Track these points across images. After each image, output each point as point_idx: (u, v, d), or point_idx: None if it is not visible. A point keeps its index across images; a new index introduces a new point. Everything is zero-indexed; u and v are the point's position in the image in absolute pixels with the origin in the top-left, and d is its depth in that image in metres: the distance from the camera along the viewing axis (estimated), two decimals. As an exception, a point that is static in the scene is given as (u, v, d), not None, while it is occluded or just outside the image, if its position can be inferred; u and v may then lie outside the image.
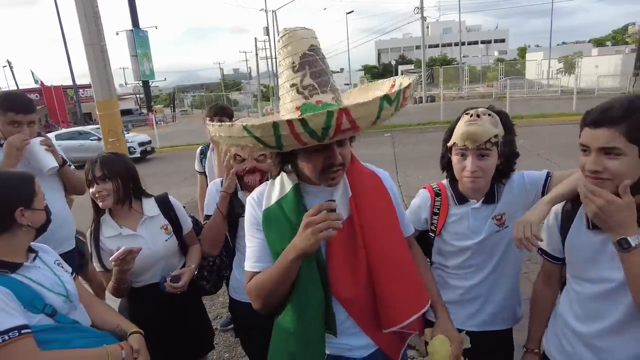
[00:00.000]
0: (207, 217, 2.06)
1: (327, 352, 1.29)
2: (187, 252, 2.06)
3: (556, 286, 1.58)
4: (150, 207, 1.94)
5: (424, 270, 1.56)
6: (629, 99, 1.21)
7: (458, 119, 1.62)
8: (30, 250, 1.47)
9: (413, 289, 1.35)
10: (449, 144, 1.63)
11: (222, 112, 3.13)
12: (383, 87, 1.31)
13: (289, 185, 1.30)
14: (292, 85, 1.13)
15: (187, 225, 2.06)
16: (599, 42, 56.13)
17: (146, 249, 1.80)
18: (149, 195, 1.99)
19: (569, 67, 29.60)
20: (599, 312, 1.33)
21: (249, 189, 1.87)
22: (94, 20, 3.86)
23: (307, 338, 1.25)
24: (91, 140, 15.12)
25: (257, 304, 1.32)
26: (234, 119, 2.59)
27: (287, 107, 1.16)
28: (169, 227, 1.96)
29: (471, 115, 1.56)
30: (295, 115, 1.09)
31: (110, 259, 1.66)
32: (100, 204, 1.82)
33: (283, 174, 1.34)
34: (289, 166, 1.30)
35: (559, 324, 1.50)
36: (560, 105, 17.26)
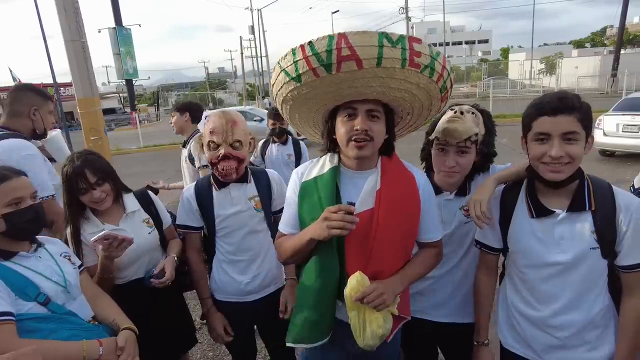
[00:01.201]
0: (179, 226, 1.98)
1: (336, 316, 1.44)
2: (167, 246, 2.04)
3: (494, 275, 1.66)
4: (130, 202, 1.93)
5: (419, 262, 1.53)
6: (565, 93, 1.34)
7: (443, 114, 1.65)
8: (35, 241, 1.52)
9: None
10: (430, 137, 1.67)
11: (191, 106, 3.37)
12: None
13: (328, 166, 1.43)
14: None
15: (166, 219, 2.05)
16: (578, 44, 57.44)
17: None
18: (128, 190, 1.98)
19: (550, 67, 30.23)
20: (552, 294, 1.42)
21: (223, 176, 1.85)
22: (74, 16, 3.80)
23: (322, 302, 1.40)
24: (254, 121, 13.28)
25: (280, 258, 1.55)
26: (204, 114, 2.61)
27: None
28: (150, 220, 1.95)
29: (455, 112, 1.60)
30: None
31: (92, 240, 1.64)
32: (101, 208, 1.81)
33: (327, 155, 1.48)
34: (334, 149, 1.45)
35: (511, 313, 1.56)
36: (542, 105, 17.58)
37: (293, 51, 1.18)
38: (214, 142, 1.81)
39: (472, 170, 1.67)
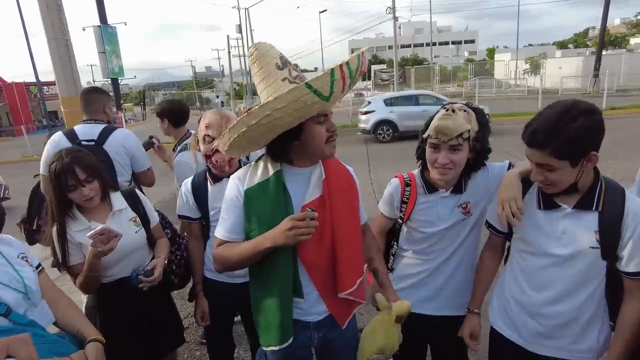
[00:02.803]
0: (180, 217, 2.11)
1: None
2: (155, 245, 2.05)
3: (499, 256, 1.74)
4: (118, 200, 1.92)
5: (375, 250, 1.74)
6: (556, 118, 1.30)
7: (437, 112, 1.69)
8: None
9: (358, 261, 1.58)
10: (424, 136, 1.71)
11: (174, 110, 3.12)
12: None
13: (271, 170, 1.45)
14: (284, 79, 1.33)
15: (154, 218, 2.05)
16: (562, 45, 58.34)
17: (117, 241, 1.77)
18: (116, 189, 1.97)
19: (535, 68, 30.68)
20: (545, 283, 1.48)
21: (217, 168, 1.98)
22: (57, 13, 3.74)
23: (279, 302, 1.43)
24: (432, 106, 12.54)
25: (220, 268, 1.53)
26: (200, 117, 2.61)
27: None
28: (138, 219, 1.95)
29: (447, 110, 1.63)
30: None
31: (88, 235, 1.62)
32: (89, 205, 1.80)
33: (266, 159, 1.49)
34: (280, 154, 1.46)
35: (504, 296, 1.64)
36: (527, 105, 17.88)
37: (332, 72, 1.24)
38: (209, 135, 1.96)
39: (468, 167, 1.69)
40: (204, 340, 3.11)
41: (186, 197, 2.05)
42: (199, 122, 2.01)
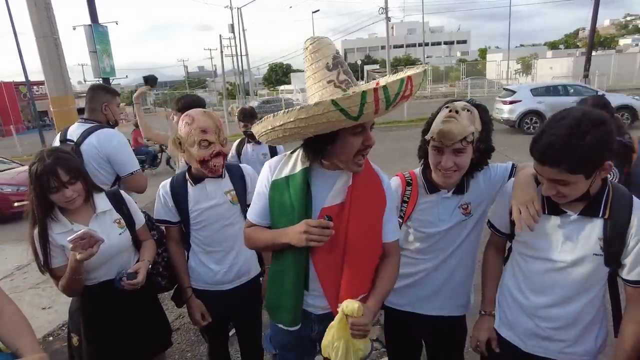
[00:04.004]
0: (158, 221, 2.06)
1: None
2: (141, 247, 2.01)
3: (502, 254, 1.72)
4: (101, 201, 1.88)
5: (387, 275, 1.56)
6: (568, 133, 1.23)
7: (438, 111, 1.62)
8: None
9: (366, 276, 1.53)
10: (426, 137, 1.65)
11: (195, 105, 2.87)
12: (370, 84, 1.47)
13: (300, 166, 1.47)
14: (329, 81, 1.32)
15: (139, 219, 2.00)
16: (553, 45, 58.90)
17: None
18: (100, 190, 1.93)
19: (526, 68, 30.97)
20: (546, 287, 1.45)
21: (214, 172, 1.94)
22: (45, 11, 3.70)
23: (291, 290, 1.50)
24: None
25: (248, 245, 1.63)
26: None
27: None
28: (122, 221, 1.90)
29: (450, 111, 1.57)
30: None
31: (69, 239, 1.58)
32: (71, 207, 1.76)
33: (298, 153, 1.50)
34: (314, 153, 1.43)
35: (504, 296, 1.62)
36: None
37: (363, 94, 1.16)
38: (206, 140, 1.87)
39: (471, 167, 1.64)
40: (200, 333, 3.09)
41: (164, 199, 1.99)
42: (173, 119, 1.96)
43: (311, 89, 1.36)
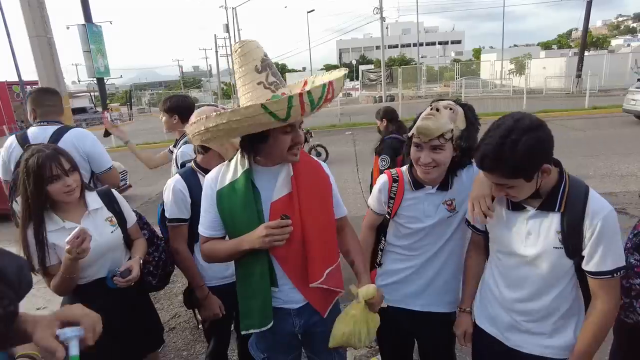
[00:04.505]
0: (170, 220, 2.01)
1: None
2: (132, 246, 2.01)
3: (483, 253, 1.76)
4: (93, 199, 1.89)
5: (353, 243, 1.74)
6: (500, 143, 1.28)
7: (423, 110, 1.67)
8: None
9: (329, 253, 1.60)
10: (409, 134, 1.71)
11: (183, 105, 2.99)
12: (298, 84, 1.61)
13: (240, 169, 1.51)
14: (259, 83, 1.39)
15: (131, 218, 2.01)
16: (546, 45, 59.28)
17: (92, 241, 1.72)
18: (91, 189, 1.94)
19: (520, 68, 31.11)
20: (518, 282, 1.51)
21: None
22: (38, 10, 3.68)
23: (261, 290, 1.52)
24: None
25: (209, 261, 1.65)
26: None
27: (257, 101, 1.36)
28: (114, 219, 1.91)
29: (431, 109, 1.63)
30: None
31: (66, 240, 1.59)
32: (70, 198, 1.76)
33: (236, 159, 1.54)
34: (249, 152, 1.51)
35: (485, 291, 1.68)
36: (512, 104, 18.10)
37: (290, 99, 1.26)
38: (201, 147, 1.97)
39: (454, 165, 1.69)
40: (200, 326, 3.09)
41: (182, 194, 1.98)
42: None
43: (241, 90, 1.43)
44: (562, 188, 1.40)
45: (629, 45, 44.75)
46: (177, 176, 2.02)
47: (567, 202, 1.38)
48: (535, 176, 1.33)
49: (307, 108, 1.31)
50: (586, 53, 24.77)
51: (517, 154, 1.26)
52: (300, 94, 1.27)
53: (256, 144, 1.46)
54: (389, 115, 4.04)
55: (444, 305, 1.85)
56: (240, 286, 1.61)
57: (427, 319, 1.84)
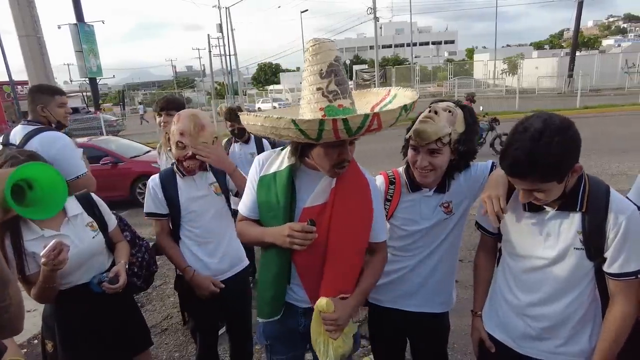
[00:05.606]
0: (148, 215, 2.08)
1: (286, 299, 1.58)
2: (114, 249, 1.98)
3: (493, 255, 1.72)
4: (72, 205, 1.84)
5: (374, 271, 1.61)
6: (533, 145, 1.21)
7: (421, 112, 1.64)
8: None
9: (347, 277, 1.52)
10: (406, 136, 1.68)
11: (173, 105, 3.01)
12: (380, 93, 1.57)
13: (286, 163, 1.49)
14: (318, 89, 1.31)
15: (112, 221, 1.98)
16: (538, 46, 59.78)
17: (73, 248, 1.69)
18: (69, 194, 1.87)
19: (512, 68, 31.36)
20: (533, 285, 1.46)
21: (188, 172, 2.04)
22: (28, 9, 3.64)
23: (274, 285, 1.54)
24: None
25: (241, 239, 1.69)
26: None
27: (312, 107, 1.33)
28: (94, 224, 1.87)
29: (430, 111, 1.59)
30: (319, 114, 1.30)
31: (42, 253, 1.54)
32: None
33: (287, 150, 1.51)
34: (296, 150, 1.45)
35: (496, 297, 1.62)
36: (505, 104, 18.24)
37: (321, 122, 1.19)
38: (182, 142, 1.97)
39: (451, 168, 1.66)
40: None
41: (154, 191, 2.04)
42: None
43: (304, 91, 1.38)
44: (582, 187, 1.35)
45: (619, 45, 45.22)
46: (155, 175, 2.10)
47: (589, 202, 1.33)
48: (566, 178, 1.28)
49: (343, 135, 1.22)
50: (578, 53, 25.03)
51: (551, 156, 1.20)
52: (335, 120, 1.18)
53: (304, 146, 1.41)
54: None
55: (436, 305, 1.84)
56: (261, 275, 1.61)
57: (420, 319, 1.83)
